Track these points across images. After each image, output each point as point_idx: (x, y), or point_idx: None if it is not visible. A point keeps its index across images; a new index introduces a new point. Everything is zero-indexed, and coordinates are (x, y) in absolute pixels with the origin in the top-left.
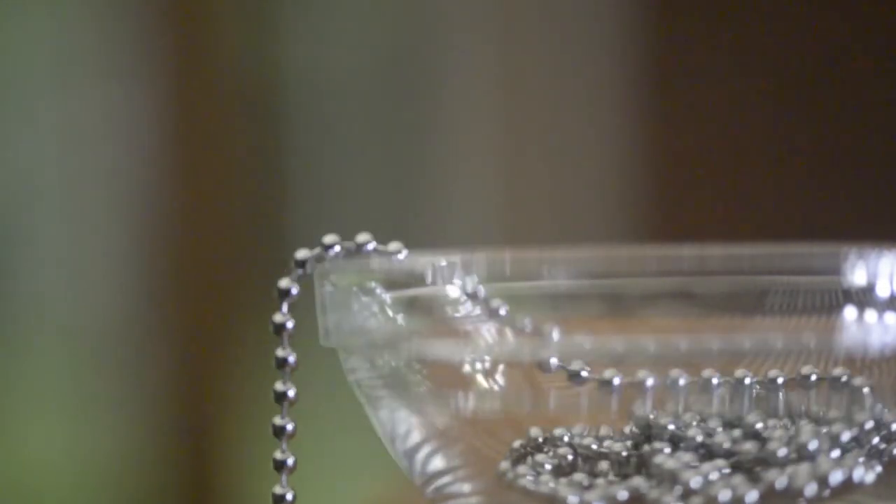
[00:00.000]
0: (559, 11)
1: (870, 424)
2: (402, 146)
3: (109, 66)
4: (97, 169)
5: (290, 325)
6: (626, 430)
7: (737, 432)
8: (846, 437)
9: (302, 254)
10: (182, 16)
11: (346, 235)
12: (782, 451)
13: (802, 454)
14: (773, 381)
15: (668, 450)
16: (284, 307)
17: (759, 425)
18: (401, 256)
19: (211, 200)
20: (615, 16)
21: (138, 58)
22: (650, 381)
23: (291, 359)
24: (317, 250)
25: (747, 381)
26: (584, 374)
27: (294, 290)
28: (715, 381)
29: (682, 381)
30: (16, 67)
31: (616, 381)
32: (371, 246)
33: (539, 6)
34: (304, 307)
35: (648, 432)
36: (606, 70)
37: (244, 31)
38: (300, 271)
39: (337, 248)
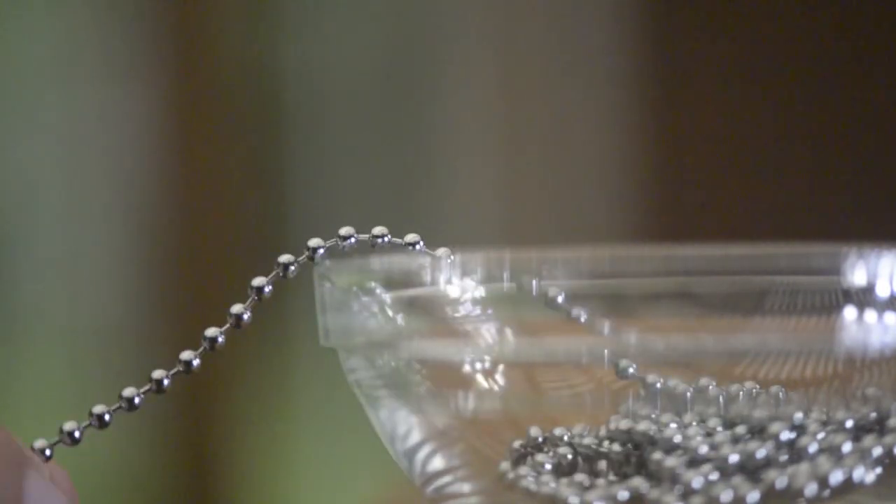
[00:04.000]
0: (559, 11)
1: (870, 425)
2: (402, 146)
3: (109, 66)
4: (97, 169)
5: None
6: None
7: (739, 429)
8: (846, 437)
9: (285, 258)
10: (182, 16)
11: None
12: (782, 456)
13: (802, 455)
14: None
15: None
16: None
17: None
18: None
19: (211, 201)
20: (615, 15)
21: (138, 58)
22: (657, 385)
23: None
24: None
25: (746, 385)
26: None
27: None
28: (712, 387)
29: (682, 388)
30: (16, 68)
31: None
32: (353, 239)
33: (539, 7)
34: (305, 308)
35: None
36: (606, 69)
37: (244, 32)
38: (283, 270)
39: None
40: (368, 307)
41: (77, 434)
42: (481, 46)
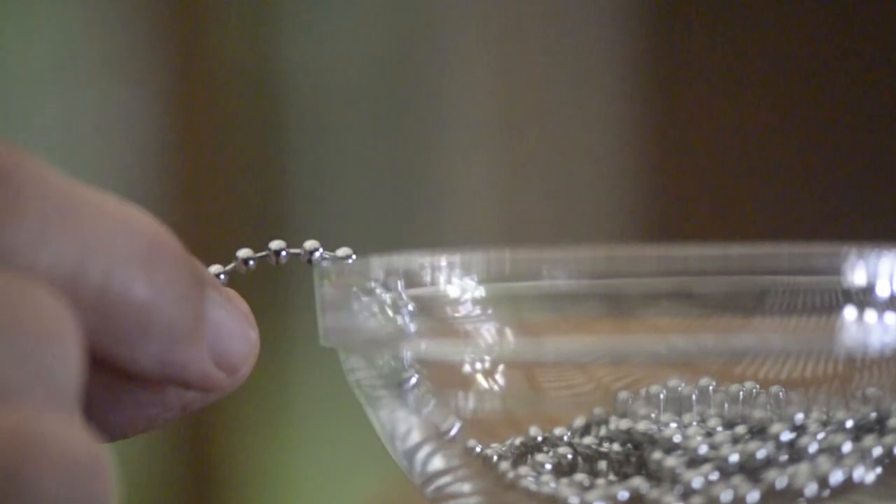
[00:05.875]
0: (558, 12)
1: (870, 425)
2: (402, 146)
3: (109, 66)
4: (97, 169)
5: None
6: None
7: (739, 429)
8: (846, 437)
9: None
10: (182, 16)
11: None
12: (782, 456)
13: (802, 455)
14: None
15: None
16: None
17: (762, 421)
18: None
19: (211, 200)
20: (615, 16)
21: (138, 58)
22: (653, 389)
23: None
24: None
25: (746, 385)
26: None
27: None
28: (712, 387)
29: (681, 388)
30: (16, 67)
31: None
32: (319, 253)
33: (538, 8)
34: (305, 308)
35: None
36: (606, 70)
37: (244, 31)
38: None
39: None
40: (368, 307)
41: (252, 262)
42: (481, 46)
